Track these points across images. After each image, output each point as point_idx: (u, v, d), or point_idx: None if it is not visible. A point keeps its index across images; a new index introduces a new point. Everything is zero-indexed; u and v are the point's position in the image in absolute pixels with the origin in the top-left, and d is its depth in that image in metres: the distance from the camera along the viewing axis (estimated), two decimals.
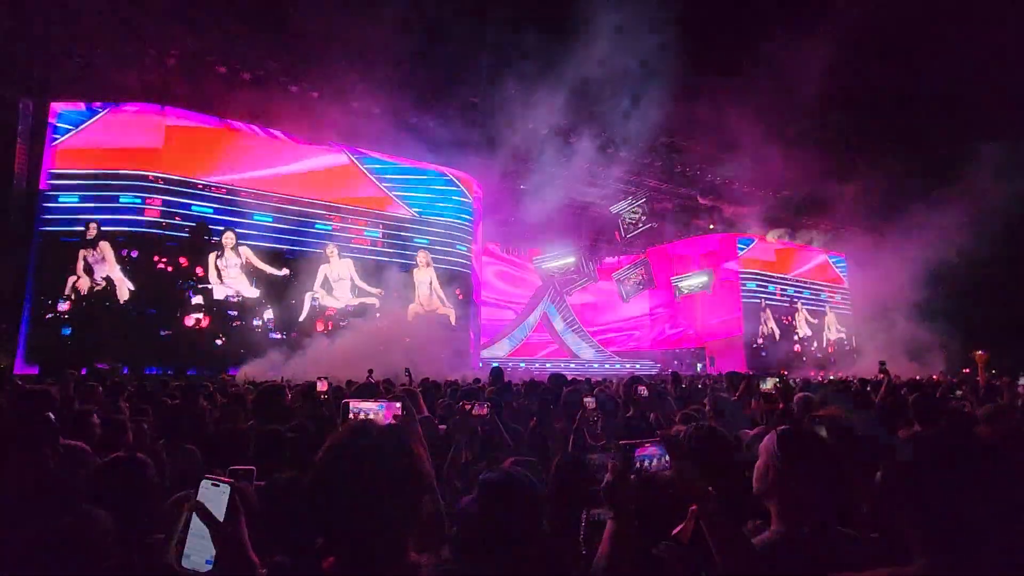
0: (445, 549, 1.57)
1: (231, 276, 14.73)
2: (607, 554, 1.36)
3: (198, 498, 1.00)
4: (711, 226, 25.02)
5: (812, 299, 26.46)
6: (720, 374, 11.04)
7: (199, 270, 14.30)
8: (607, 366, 22.73)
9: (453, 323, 18.08)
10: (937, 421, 3.15)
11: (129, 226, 13.72)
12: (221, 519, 0.99)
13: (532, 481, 1.47)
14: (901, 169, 20.24)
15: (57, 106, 13.65)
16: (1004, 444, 2.53)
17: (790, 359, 23.02)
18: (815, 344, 25.91)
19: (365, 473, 0.97)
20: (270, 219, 15.55)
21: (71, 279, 13.13)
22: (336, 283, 16.41)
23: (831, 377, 15.85)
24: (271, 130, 16.01)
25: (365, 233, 17.19)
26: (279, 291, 15.36)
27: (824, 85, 17.42)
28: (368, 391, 4.13)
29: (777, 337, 24.31)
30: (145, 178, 13.95)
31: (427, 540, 1.39)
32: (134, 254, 13.61)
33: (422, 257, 17.91)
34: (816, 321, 26.19)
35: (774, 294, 24.93)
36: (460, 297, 18.52)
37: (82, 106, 13.83)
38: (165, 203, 14.12)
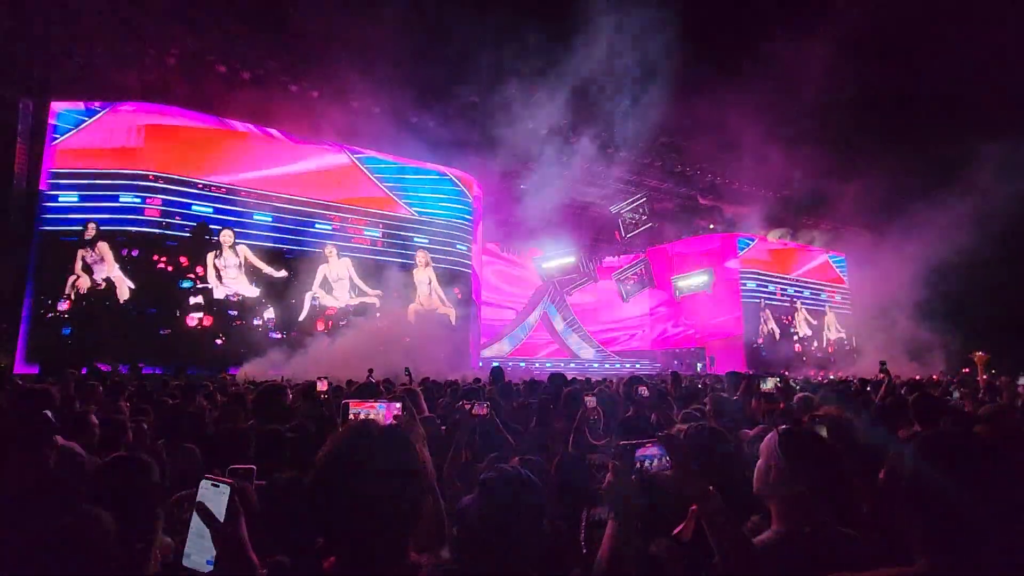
0: (445, 549, 1.58)
1: (230, 276, 14.73)
2: (607, 554, 1.35)
3: (198, 498, 1.00)
4: (711, 226, 25.02)
5: (812, 299, 26.46)
6: (720, 375, 11.04)
7: (199, 269, 14.30)
8: (607, 366, 22.73)
9: (453, 323, 18.09)
10: (937, 421, 3.15)
11: (129, 225, 13.72)
12: (221, 519, 0.99)
13: (533, 480, 1.47)
14: (902, 169, 20.24)
15: (57, 106, 13.65)
16: (1004, 444, 2.53)
17: (790, 359, 23.01)
18: (815, 344, 25.91)
19: (366, 473, 0.97)
20: (270, 219, 15.55)
21: (71, 278, 13.14)
22: (335, 283, 16.41)
23: (831, 377, 15.85)
24: (271, 130, 16.00)
25: (365, 233, 17.19)
26: (279, 291, 15.37)
27: (824, 84, 17.43)
28: (368, 391, 4.13)
29: (777, 337, 24.31)
30: (145, 177, 13.95)
31: (427, 540, 1.40)
32: (135, 253, 13.62)
33: (421, 257, 17.91)
34: (816, 321, 26.19)
35: (774, 294, 24.93)
36: (460, 297, 18.52)
37: (82, 106, 13.83)
38: (165, 202, 14.12)
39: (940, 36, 16.98)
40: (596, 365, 22.72)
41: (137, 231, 13.76)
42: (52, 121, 13.56)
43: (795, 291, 25.76)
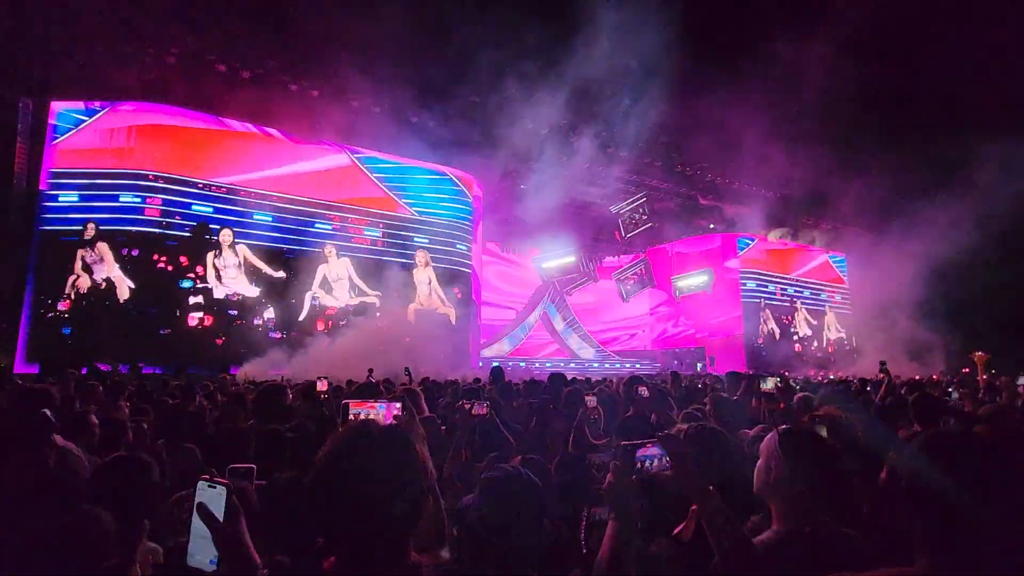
0: (445, 549, 1.57)
1: (230, 276, 14.73)
2: (608, 555, 1.35)
3: (196, 499, 1.00)
4: (711, 225, 25.01)
5: (812, 299, 26.45)
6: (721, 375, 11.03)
7: (199, 269, 14.30)
8: (607, 366, 22.73)
9: (453, 322, 18.09)
10: (937, 421, 3.15)
11: (129, 225, 13.72)
12: (220, 519, 0.99)
13: (533, 480, 1.47)
14: (902, 168, 20.25)
15: (57, 105, 13.65)
16: (1004, 444, 2.53)
17: (790, 359, 23.01)
18: (815, 344, 25.91)
19: (366, 473, 0.97)
20: (270, 218, 15.56)
21: (71, 278, 13.14)
22: (335, 283, 16.41)
23: (831, 377, 15.85)
24: (271, 129, 16.00)
25: (365, 232, 17.19)
26: (279, 290, 15.37)
27: (825, 84, 17.42)
28: (368, 391, 4.13)
29: (777, 337, 24.31)
30: (145, 177, 13.95)
31: (427, 540, 1.39)
32: (135, 253, 13.62)
33: (421, 257, 17.91)
34: (816, 321, 26.19)
35: (774, 294, 24.93)
36: (460, 297, 18.52)
37: (82, 105, 13.83)
38: (165, 202, 14.12)
39: (940, 36, 16.97)
40: (596, 365, 22.72)
41: (137, 231, 13.76)
42: (52, 121, 13.57)
43: (795, 291, 25.76)
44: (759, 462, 1.58)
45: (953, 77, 17.89)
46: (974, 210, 18.93)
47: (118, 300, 13.35)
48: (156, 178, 14.06)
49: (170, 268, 13.98)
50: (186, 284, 14.11)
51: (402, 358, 10.89)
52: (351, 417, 2.03)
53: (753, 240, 24.59)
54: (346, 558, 1.00)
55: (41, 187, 13.36)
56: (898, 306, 22.90)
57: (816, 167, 20.79)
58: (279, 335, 15.04)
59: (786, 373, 13.74)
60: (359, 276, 16.74)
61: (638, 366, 22.45)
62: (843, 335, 26.90)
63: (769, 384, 4.54)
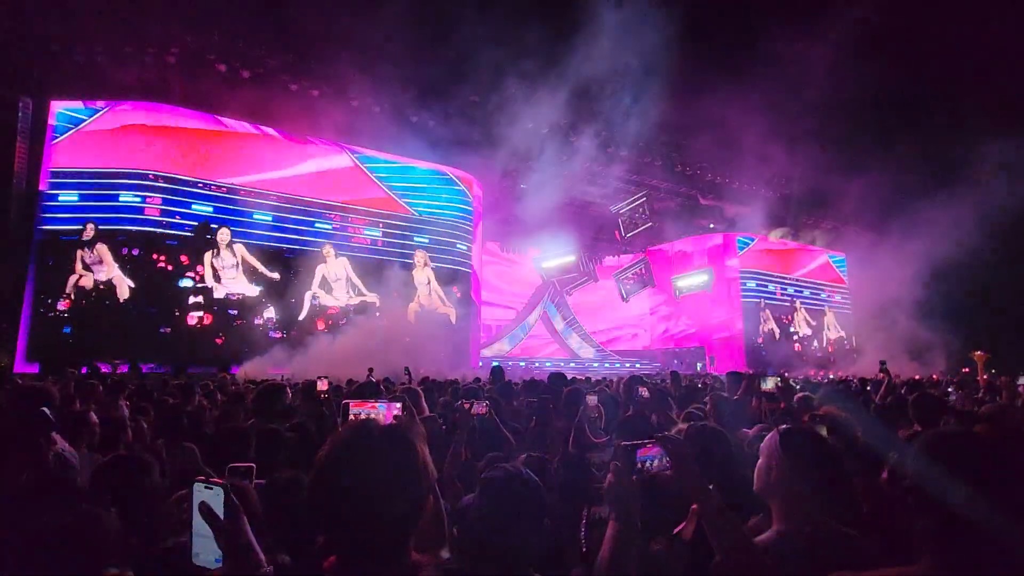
0: (445, 549, 1.57)
1: (229, 276, 14.72)
2: (608, 555, 1.35)
3: (195, 499, 1.00)
4: (711, 225, 25.01)
5: (812, 298, 26.46)
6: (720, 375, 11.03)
7: (199, 269, 14.31)
8: (607, 365, 22.73)
9: (453, 322, 18.09)
10: (937, 421, 3.15)
11: (129, 224, 13.72)
12: (221, 518, 0.99)
13: (534, 479, 1.47)
14: (903, 168, 20.24)
15: (57, 105, 13.64)
16: (1007, 443, 2.53)
17: (790, 358, 23.02)
18: (815, 344, 25.91)
19: (367, 472, 0.97)
20: (270, 218, 15.55)
21: (72, 278, 13.15)
22: (334, 283, 16.42)
23: (831, 376, 15.86)
24: (271, 129, 16.00)
25: (365, 232, 17.19)
26: (279, 290, 15.37)
27: (826, 83, 17.42)
28: (368, 390, 4.13)
29: (777, 336, 24.31)
30: (145, 176, 13.95)
31: (427, 540, 1.39)
32: (135, 252, 13.62)
33: (420, 257, 17.91)
34: (815, 321, 26.20)
35: (774, 293, 24.94)
36: (460, 296, 18.52)
37: (81, 105, 13.83)
38: (165, 201, 14.12)
39: (942, 35, 16.97)
40: (596, 365, 22.72)
41: (137, 230, 13.76)
42: (52, 121, 13.56)
43: (795, 291, 25.77)
44: (759, 462, 1.57)
45: (953, 77, 17.88)
46: (975, 210, 18.93)
47: (118, 299, 13.35)
48: (156, 177, 14.06)
49: (170, 268, 13.99)
50: (186, 283, 14.11)
51: (402, 357, 10.88)
52: (351, 417, 2.03)
53: (753, 240, 24.59)
54: (346, 558, 1.00)
55: (41, 187, 13.36)
56: (898, 306, 22.90)
57: (816, 167, 20.80)
58: (279, 334, 15.04)
59: (786, 373, 13.73)
60: (360, 276, 16.74)
61: (638, 366, 22.46)
62: (843, 335, 26.90)
63: (769, 384, 4.54)
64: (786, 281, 25.56)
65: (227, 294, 14.62)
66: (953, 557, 1.02)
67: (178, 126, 14.57)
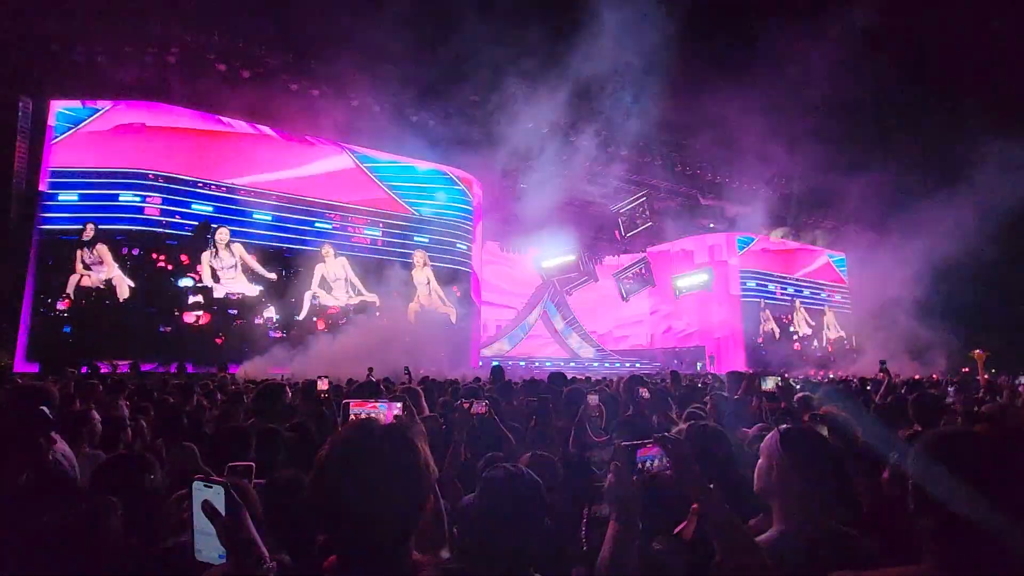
0: (445, 549, 1.57)
1: (228, 276, 14.72)
2: (609, 556, 1.35)
3: (193, 500, 1.00)
4: (711, 225, 25.01)
5: (812, 298, 26.46)
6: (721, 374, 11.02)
7: (199, 268, 14.31)
8: (607, 365, 22.72)
9: (453, 322, 18.09)
10: (937, 421, 3.15)
11: (129, 224, 13.72)
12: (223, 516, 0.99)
13: (534, 478, 1.47)
14: (903, 168, 20.25)
15: (57, 105, 13.64)
16: (1006, 443, 2.53)
17: (790, 358, 23.02)
18: (815, 343, 25.92)
19: (368, 472, 0.97)
20: (270, 218, 15.55)
21: (73, 277, 13.15)
22: (333, 283, 16.42)
23: (831, 376, 15.86)
24: (271, 128, 15.99)
25: (365, 232, 17.19)
26: (279, 289, 15.37)
27: (826, 83, 17.43)
28: (369, 390, 4.13)
29: (777, 336, 24.32)
30: (145, 176, 13.95)
31: (427, 540, 1.39)
32: (135, 252, 13.62)
33: (419, 257, 17.91)
34: (815, 320, 26.21)
35: (774, 293, 24.94)
36: (460, 296, 18.52)
37: (81, 104, 13.82)
38: (165, 201, 14.12)
39: (943, 35, 16.96)
40: (596, 364, 22.71)
41: (137, 230, 13.76)
42: (52, 120, 13.56)
43: (795, 290, 25.77)
44: (760, 462, 1.57)
45: (953, 77, 17.88)
46: (975, 209, 18.93)
47: (118, 299, 13.35)
48: (156, 177, 14.06)
49: (170, 267, 13.99)
50: (186, 283, 14.11)
51: (402, 357, 10.88)
52: (352, 417, 2.03)
53: (753, 239, 24.59)
54: (346, 557, 1.00)
55: (41, 187, 13.36)
56: (898, 305, 22.91)
57: (817, 166, 20.81)
58: (279, 334, 15.04)
59: (786, 374, 13.74)
60: (360, 276, 16.74)
61: (638, 365, 22.46)
62: (843, 335, 26.91)
63: (769, 383, 4.53)
64: (786, 281, 25.56)
65: (227, 294, 14.62)
66: (954, 557, 1.02)
67: (178, 126, 14.56)
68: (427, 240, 18.10)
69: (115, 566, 1.44)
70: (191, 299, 14.12)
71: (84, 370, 9.05)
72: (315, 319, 15.89)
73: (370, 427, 1.04)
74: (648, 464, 1.39)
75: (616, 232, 22.47)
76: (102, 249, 13.39)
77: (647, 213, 21.49)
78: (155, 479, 1.90)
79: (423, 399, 3.75)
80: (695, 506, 1.46)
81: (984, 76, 17.99)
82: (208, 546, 1.00)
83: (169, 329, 13.77)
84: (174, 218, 14.21)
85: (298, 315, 15.66)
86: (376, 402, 2.17)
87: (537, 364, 20.56)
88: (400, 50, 14.95)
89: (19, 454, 1.75)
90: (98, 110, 13.87)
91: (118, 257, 13.51)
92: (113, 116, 13.98)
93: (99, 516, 1.46)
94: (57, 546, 1.37)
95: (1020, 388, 6.49)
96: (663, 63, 16.27)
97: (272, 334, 14.96)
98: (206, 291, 14.32)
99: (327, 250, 16.32)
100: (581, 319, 25.79)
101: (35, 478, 1.79)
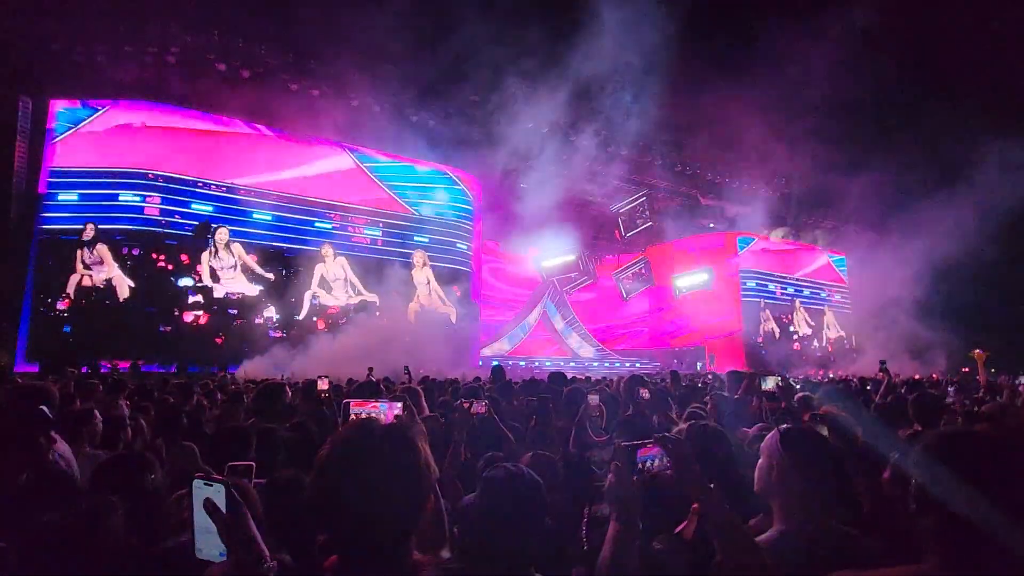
0: (445, 549, 1.57)
1: (228, 276, 14.71)
2: (609, 557, 1.35)
3: (193, 499, 1.00)
4: (711, 224, 25.01)
5: (812, 298, 26.47)
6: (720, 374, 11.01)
7: (199, 268, 14.31)
8: (607, 365, 22.72)
9: (453, 321, 18.09)
10: (937, 421, 3.15)
11: (129, 224, 13.72)
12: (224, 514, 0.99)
13: (535, 478, 1.47)
14: (903, 167, 20.24)
15: (57, 104, 13.64)
16: (1006, 443, 2.53)
17: (790, 358, 23.02)
18: (815, 343, 25.92)
19: (368, 472, 0.97)
20: (270, 217, 15.56)
21: (72, 277, 13.15)
22: (333, 283, 16.42)
23: (831, 376, 15.87)
24: (271, 128, 16.00)
25: (365, 231, 17.20)
26: (279, 289, 15.38)
27: (826, 82, 17.43)
28: (369, 390, 4.13)
29: (777, 336, 24.32)
30: (144, 176, 13.95)
31: (428, 540, 1.39)
32: (135, 252, 13.63)
33: (418, 257, 17.91)
34: (815, 320, 26.21)
35: (774, 293, 24.94)
36: (460, 295, 18.52)
37: (81, 105, 13.82)
38: (164, 201, 14.13)
39: (943, 34, 16.97)
40: (596, 364, 22.71)
41: (137, 230, 13.76)
42: (52, 121, 13.56)
43: (795, 290, 25.78)
44: (760, 461, 1.57)
45: (953, 77, 17.88)
46: (975, 209, 18.93)
47: (118, 299, 13.36)
48: (156, 177, 14.06)
49: (170, 267, 13.99)
50: (186, 282, 14.11)
51: (402, 357, 10.87)
52: (352, 416, 2.03)
53: (753, 239, 24.59)
54: (347, 557, 1.00)
55: (41, 187, 13.36)
56: (898, 305, 22.90)
57: (817, 166, 20.81)
58: (279, 334, 15.04)
59: (786, 374, 13.74)
60: (360, 275, 16.74)
61: (638, 365, 22.47)
62: (843, 334, 26.91)
63: (770, 383, 4.53)
64: (786, 281, 25.56)
65: (227, 293, 14.62)
66: (955, 557, 1.02)
67: (178, 126, 14.57)
68: (427, 240, 18.10)
69: (115, 566, 1.44)
70: (191, 299, 14.13)
71: (84, 370, 9.05)
72: (315, 319, 15.89)
73: (370, 427, 1.04)
74: (648, 464, 1.39)
75: (616, 232, 22.47)
76: (102, 249, 13.40)
77: (647, 213, 21.48)
78: (155, 479, 1.90)
79: (423, 399, 3.75)
80: (695, 506, 1.46)
81: (984, 76, 17.98)
82: (209, 544, 1.00)
83: (169, 329, 13.77)
84: (174, 218, 14.21)
85: (298, 315, 15.66)
86: (376, 402, 2.17)
87: (537, 364, 20.56)
88: (400, 50, 14.95)
89: (19, 454, 1.75)
90: (98, 110, 13.87)
91: (118, 257, 13.51)
92: (113, 116, 13.98)
93: (99, 516, 1.46)
94: (57, 546, 1.37)
95: (1020, 388, 6.49)
96: (663, 63, 16.27)
97: (272, 334, 14.96)
98: (206, 291, 14.32)
99: (327, 250, 16.33)
100: (581, 319, 25.78)
101: (35, 478, 1.79)
